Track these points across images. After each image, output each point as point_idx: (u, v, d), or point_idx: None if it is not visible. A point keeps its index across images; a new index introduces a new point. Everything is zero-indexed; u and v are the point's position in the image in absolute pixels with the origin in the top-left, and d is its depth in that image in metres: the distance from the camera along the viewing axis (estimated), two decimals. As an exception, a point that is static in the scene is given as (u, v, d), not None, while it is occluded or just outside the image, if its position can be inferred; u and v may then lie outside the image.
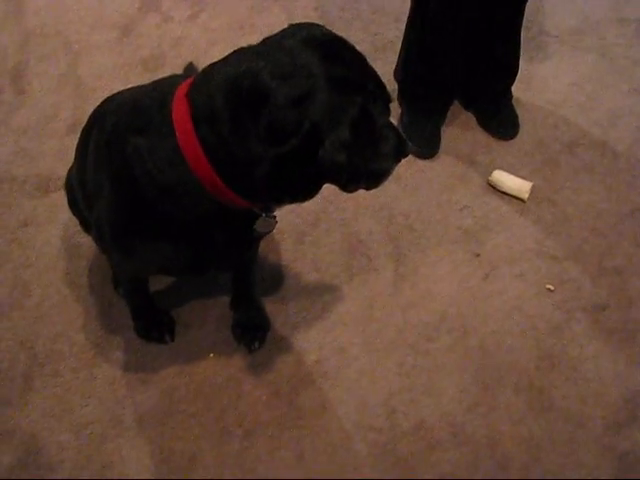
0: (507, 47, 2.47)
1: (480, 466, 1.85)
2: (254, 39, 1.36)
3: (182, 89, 1.38)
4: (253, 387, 1.97)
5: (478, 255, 2.26)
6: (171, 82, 1.47)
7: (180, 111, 1.35)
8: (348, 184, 1.42)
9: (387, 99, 1.39)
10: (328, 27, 1.38)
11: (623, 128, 2.69)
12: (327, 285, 2.18)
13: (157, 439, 1.88)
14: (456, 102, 2.69)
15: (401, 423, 1.92)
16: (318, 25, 1.39)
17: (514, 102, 2.67)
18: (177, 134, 1.35)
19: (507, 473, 1.84)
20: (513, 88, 2.65)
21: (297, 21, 1.41)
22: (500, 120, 2.62)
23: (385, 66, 2.63)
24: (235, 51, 1.37)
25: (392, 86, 2.59)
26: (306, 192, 1.41)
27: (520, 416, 1.94)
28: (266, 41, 1.35)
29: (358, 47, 1.37)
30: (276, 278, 2.20)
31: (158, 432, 1.89)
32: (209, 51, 2.82)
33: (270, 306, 2.13)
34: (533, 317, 2.13)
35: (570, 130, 2.66)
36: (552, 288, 2.19)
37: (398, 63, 2.54)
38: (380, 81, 1.37)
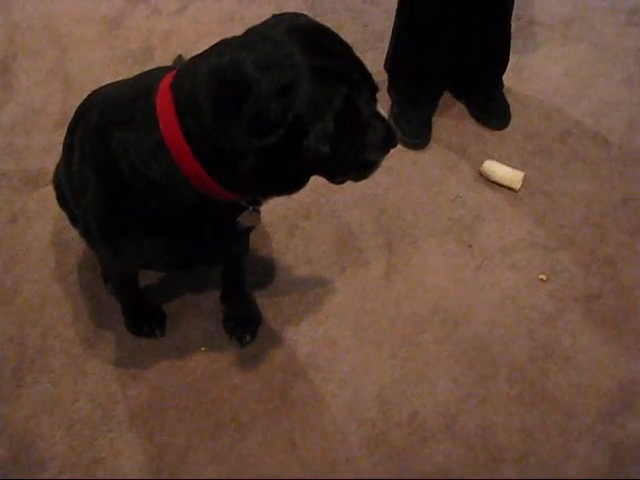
0: (497, 35, 2.46)
1: (473, 457, 1.84)
2: (243, 31, 1.35)
3: (166, 81, 1.36)
4: (245, 381, 1.96)
5: (470, 246, 2.26)
6: (155, 74, 1.46)
7: (164, 103, 1.34)
8: (335, 175, 1.40)
9: (373, 88, 1.37)
10: (318, 18, 1.37)
11: (615, 117, 2.68)
12: (319, 277, 2.17)
13: (149, 434, 1.86)
14: (447, 92, 2.69)
15: (394, 415, 1.91)
16: (302, 15, 1.37)
17: (505, 92, 2.66)
18: (161, 126, 1.34)
19: (500, 464, 1.83)
20: (504, 78, 2.64)
21: (286, 11, 1.39)
22: (491, 110, 2.61)
23: (376, 57, 2.63)
24: (218, 42, 1.35)
25: (382, 77, 2.58)
26: (292, 184, 1.40)
27: (513, 407, 1.93)
28: (249, 32, 1.34)
29: (348, 38, 1.36)
30: (267, 271, 2.19)
31: (150, 427, 1.88)
32: (198, 44, 2.80)
33: (261, 299, 2.11)
34: (526, 307, 2.12)
35: (562, 120, 2.66)
36: (545, 278, 2.18)
37: (388, 53, 2.53)
38: (365, 70, 1.35)
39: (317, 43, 1.29)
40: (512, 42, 2.53)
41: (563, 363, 2.02)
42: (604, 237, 2.30)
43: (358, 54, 1.35)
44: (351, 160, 1.36)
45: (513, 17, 2.45)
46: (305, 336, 2.05)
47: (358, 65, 1.34)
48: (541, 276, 2.19)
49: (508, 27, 2.46)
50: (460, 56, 2.47)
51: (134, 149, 1.38)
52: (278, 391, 1.94)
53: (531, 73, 2.82)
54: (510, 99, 2.65)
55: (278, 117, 1.23)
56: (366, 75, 1.35)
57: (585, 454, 1.85)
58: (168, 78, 1.37)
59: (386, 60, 2.54)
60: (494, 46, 2.50)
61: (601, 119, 2.67)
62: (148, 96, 1.37)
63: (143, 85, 1.44)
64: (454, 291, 2.15)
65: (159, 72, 1.47)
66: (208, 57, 1.33)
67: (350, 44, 1.35)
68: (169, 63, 2.37)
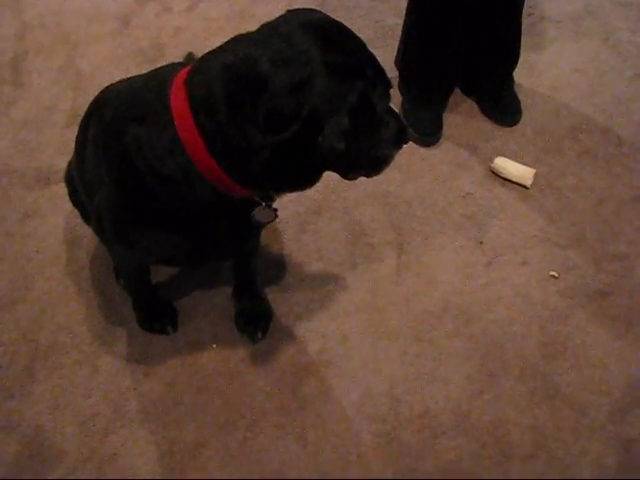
0: (508, 31, 2.46)
1: (484, 454, 1.84)
2: (254, 28, 1.35)
3: (180, 77, 1.37)
4: (256, 377, 1.97)
5: (481, 242, 2.25)
6: (168, 71, 1.46)
7: (178, 99, 1.34)
8: (349, 171, 1.41)
9: (387, 85, 1.38)
10: (328, 14, 1.37)
11: (627, 114, 2.67)
12: (330, 274, 2.17)
13: (161, 430, 1.87)
14: (458, 89, 2.68)
15: (405, 411, 1.91)
16: (316, 10, 1.38)
17: (516, 88, 2.66)
18: (175, 123, 1.34)
19: (511, 461, 1.83)
20: (515, 74, 2.64)
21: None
22: (502, 107, 2.60)
23: (386, 53, 2.63)
24: (233, 38, 1.35)
25: (393, 73, 2.58)
26: (306, 180, 1.41)
27: (525, 404, 1.93)
28: (263, 27, 1.34)
29: (359, 35, 1.36)
30: (278, 267, 2.19)
31: (162, 423, 1.88)
32: (209, 41, 2.81)
33: (273, 296, 2.12)
34: (537, 304, 2.12)
35: (573, 116, 2.65)
36: (556, 275, 2.18)
37: (399, 51, 2.53)
38: (379, 66, 1.35)
39: (332, 39, 1.30)
40: (522, 38, 2.53)
41: (574, 360, 2.01)
42: (615, 234, 2.29)
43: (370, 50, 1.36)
44: (364, 156, 1.37)
45: (524, 13, 2.45)
46: (316, 332, 2.05)
47: (372, 61, 1.35)
48: (552, 273, 2.18)
49: (519, 23, 2.46)
50: (470, 53, 2.47)
51: (148, 145, 1.39)
52: (289, 387, 1.95)
53: (542, 69, 2.81)
54: (521, 95, 2.64)
55: (293, 113, 1.23)
56: (380, 71, 1.36)
57: (596, 452, 1.85)
58: (182, 74, 1.37)
59: (397, 57, 2.55)
60: (505, 43, 2.49)
61: (612, 115, 2.66)
62: (162, 92, 1.38)
63: (157, 81, 1.45)
64: (465, 288, 2.15)
65: (172, 68, 1.48)
66: (222, 53, 1.33)
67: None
68: (180, 60, 2.38)
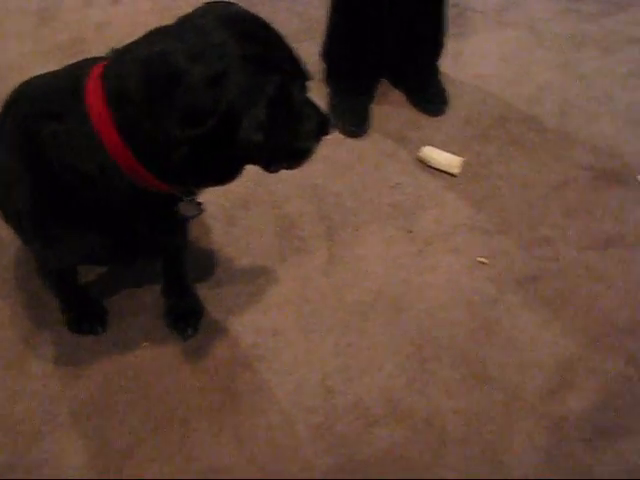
0: (431, 22, 2.48)
1: (419, 440, 1.85)
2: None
3: (96, 72, 1.34)
4: (189, 374, 1.94)
5: (411, 232, 2.27)
6: (85, 65, 1.42)
7: (95, 94, 1.31)
8: (270, 164, 1.41)
9: (305, 77, 1.38)
10: (253, 8, 1.35)
11: (551, 102, 2.73)
12: (260, 268, 2.16)
13: (93, 433, 1.83)
14: (385, 80, 2.69)
15: (339, 402, 1.91)
16: (233, 3, 1.36)
17: (442, 78, 2.69)
18: (92, 118, 1.31)
19: (445, 446, 1.84)
20: (441, 64, 2.66)
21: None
22: (429, 97, 2.63)
23: (312, 46, 2.62)
24: (149, 32, 1.33)
25: (319, 66, 2.58)
26: (227, 174, 1.39)
27: (457, 389, 1.95)
28: (180, 21, 1.32)
29: (284, 28, 1.35)
30: (208, 263, 2.17)
31: (94, 425, 1.84)
32: (133, 35, 2.69)
33: (203, 291, 2.10)
34: (467, 291, 2.14)
35: (499, 105, 2.69)
36: (485, 261, 2.21)
37: (324, 43, 2.52)
38: (297, 59, 1.35)
39: (248, 32, 1.28)
40: (448, 29, 2.55)
41: (505, 344, 2.04)
42: (542, 219, 2.34)
43: (294, 44, 1.34)
44: (285, 148, 1.37)
45: (449, 4, 2.47)
46: (248, 327, 2.04)
47: (289, 54, 1.34)
48: (481, 259, 2.21)
49: (442, 13, 2.48)
50: (395, 44, 2.48)
51: (65, 142, 1.35)
52: (223, 383, 1.93)
53: (467, 59, 2.85)
54: (447, 85, 2.68)
55: (210, 107, 1.22)
56: (297, 64, 1.35)
57: (528, 432, 1.88)
58: (98, 69, 1.34)
59: (322, 49, 2.54)
60: (428, 33, 2.52)
61: (537, 104, 2.72)
62: (78, 87, 1.34)
63: (72, 76, 1.41)
64: (396, 277, 2.16)
65: (88, 63, 1.44)
66: (138, 47, 1.31)
67: (285, 34, 1.34)
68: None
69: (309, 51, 2.45)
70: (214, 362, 1.97)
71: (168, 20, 1.36)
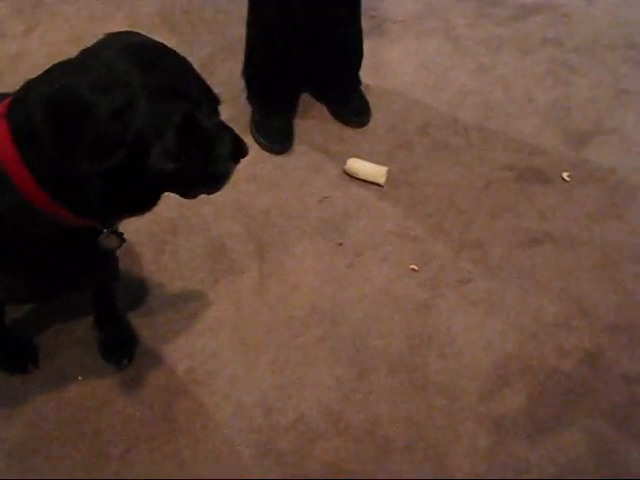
0: (349, 33, 2.50)
1: (362, 452, 1.86)
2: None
3: (0, 110, 1.31)
4: (126, 405, 1.91)
5: (341, 244, 2.28)
6: None
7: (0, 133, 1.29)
8: (186, 191, 1.40)
9: (214, 101, 1.37)
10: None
11: (472, 105, 2.78)
12: (192, 292, 2.14)
13: (28, 473, 1.79)
14: (307, 95, 2.71)
15: (279, 420, 1.90)
16: (135, 33, 1.35)
17: (364, 89, 2.71)
18: (0, 159, 1.29)
19: (389, 455, 1.85)
20: (362, 75, 2.68)
21: (141, 27, 1.37)
22: (351, 108, 2.65)
23: (234, 65, 2.61)
24: (52, 66, 1.31)
25: (242, 85, 2.57)
26: (142, 204, 1.38)
27: (397, 397, 1.96)
28: (83, 53, 1.31)
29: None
30: (139, 291, 2.15)
31: (29, 465, 1.80)
32: (50, 66, 2.72)
33: (136, 320, 2.07)
34: (400, 299, 2.16)
35: (421, 112, 2.73)
36: (416, 268, 2.23)
37: (244, 63, 2.51)
38: (204, 84, 1.35)
39: (152, 61, 1.28)
40: (367, 40, 2.58)
41: (441, 348, 2.06)
42: (470, 222, 2.37)
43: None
44: (200, 174, 1.36)
45: (366, 16, 2.50)
46: (183, 352, 2.02)
47: (196, 80, 1.34)
48: (412, 266, 2.23)
49: (358, 25, 2.50)
50: (315, 57, 2.49)
51: None
52: (161, 411, 1.91)
53: (388, 69, 2.88)
54: (369, 96, 2.70)
55: (118, 139, 1.20)
56: (205, 89, 1.35)
57: (470, 433, 1.90)
58: (2, 106, 1.31)
59: (243, 69, 2.53)
60: (346, 45, 2.53)
61: (459, 108, 2.76)
62: None
63: None
64: (328, 290, 2.17)
65: None
66: (41, 82, 1.29)
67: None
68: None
69: (230, 71, 2.46)
70: (151, 391, 1.94)
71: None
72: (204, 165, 1.35)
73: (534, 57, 2.99)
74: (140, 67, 1.23)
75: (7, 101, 1.32)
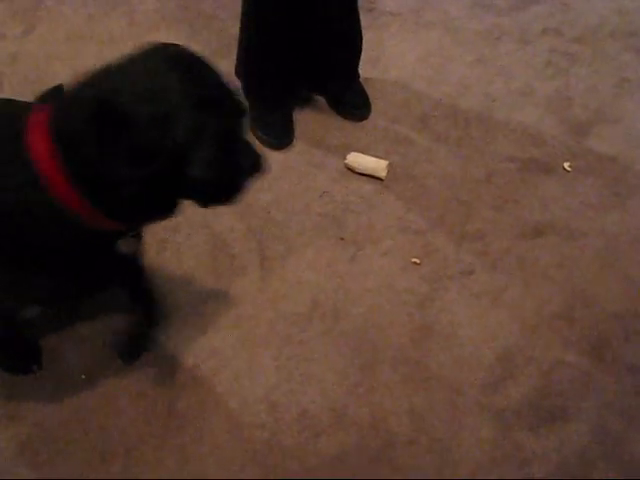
0: (347, 27, 2.48)
1: (366, 446, 1.86)
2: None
3: (39, 114, 1.34)
4: (130, 402, 1.92)
5: (342, 239, 2.27)
6: (19, 108, 1.43)
7: (39, 137, 1.31)
8: (209, 200, 1.42)
9: (242, 114, 1.41)
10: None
11: (471, 97, 2.76)
12: (194, 289, 2.14)
13: (34, 472, 1.80)
14: (306, 89, 2.70)
15: (283, 415, 1.91)
16: (176, 44, 1.38)
17: (363, 82, 2.69)
18: (38, 165, 1.30)
19: (393, 448, 1.86)
20: (361, 69, 2.67)
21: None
22: (351, 102, 2.64)
23: (232, 63, 2.61)
24: (95, 72, 1.33)
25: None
26: (170, 209, 1.42)
27: (400, 390, 1.96)
28: (126, 61, 1.32)
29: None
30: (141, 289, 2.15)
31: (35, 464, 1.81)
32: (50, 65, 2.73)
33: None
34: (402, 292, 2.16)
35: (421, 104, 2.72)
36: (418, 261, 2.23)
37: (239, 58, 2.50)
38: (235, 97, 1.39)
39: (192, 72, 1.31)
40: (365, 33, 2.56)
41: (443, 341, 2.06)
42: (471, 214, 2.36)
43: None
44: (225, 184, 1.39)
45: (364, 9, 2.49)
46: (187, 349, 2.02)
47: (229, 92, 1.37)
48: (414, 260, 2.23)
49: (356, 18, 2.47)
50: (313, 52, 2.47)
51: (14, 197, 1.34)
52: (165, 407, 1.91)
53: (387, 62, 2.87)
54: (369, 89, 2.69)
55: (158, 147, 1.23)
56: (236, 102, 1.39)
57: (473, 425, 1.90)
58: (41, 113, 1.34)
59: (237, 65, 2.51)
60: (345, 38, 2.51)
61: (459, 100, 2.75)
62: (16, 131, 1.34)
63: (7, 123, 1.40)
64: (330, 285, 2.16)
65: (22, 106, 1.45)
66: (85, 88, 1.31)
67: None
68: (20, 88, 2.30)
69: (229, 69, 2.46)
70: (155, 387, 1.95)
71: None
72: (231, 176, 1.39)
73: (534, 47, 2.97)
74: (181, 77, 1.27)
75: (48, 106, 1.35)
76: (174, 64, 1.30)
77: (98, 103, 1.27)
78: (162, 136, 1.23)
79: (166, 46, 1.37)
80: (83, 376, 1.97)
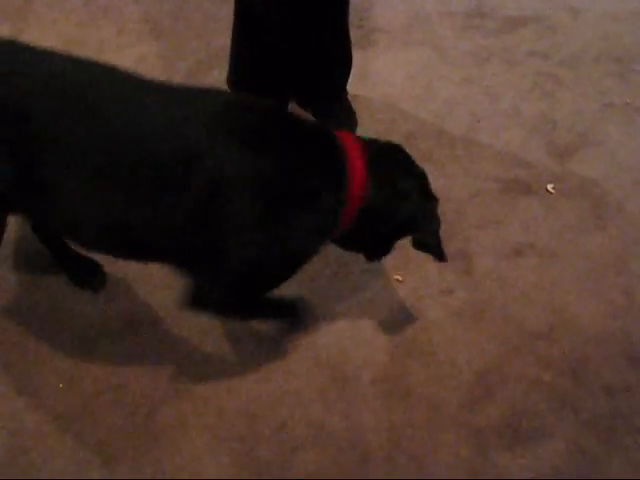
0: (336, 44, 2.48)
1: (343, 461, 1.86)
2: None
3: (357, 145, 1.72)
4: (108, 412, 1.91)
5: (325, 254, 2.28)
6: (326, 134, 1.75)
7: (359, 169, 1.68)
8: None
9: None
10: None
11: (458, 116, 2.78)
12: (173, 299, 2.13)
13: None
14: (293, 102, 2.70)
15: (262, 428, 1.90)
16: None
17: (351, 99, 2.71)
18: (352, 185, 1.67)
19: (370, 464, 1.86)
20: (349, 85, 2.68)
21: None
22: (338, 117, 2.64)
23: (222, 73, 2.61)
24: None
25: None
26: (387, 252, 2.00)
27: (378, 407, 1.96)
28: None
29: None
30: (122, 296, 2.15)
31: (10, 475, 1.80)
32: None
33: (119, 324, 2.08)
34: (384, 309, 2.16)
35: (407, 122, 2.73)
36: (400, 279, 2.23)
37: (229, 70, 2.51)
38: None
39: (418, 169, 1.97)
40: (355, 50, 2.57)
41: (424, 358, 2.07)
42: (455, 232, 2.37)
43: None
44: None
45: (354, 25, 2.50)
46: (167, 358, 2.02)
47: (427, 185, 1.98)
48: (397, 277, 2.24)
49: (347, 36, 2.49)
50: (301, 66, 2.49)
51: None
52: (142, 419, 1.91)
53: (375, 79, 2.89)
54: (356, 105, 2.70)
55: (411, 217, 1.80)
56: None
57: (450, 444, 1.91)
58: (358, 144, 1.73)
59: (228, 77, 2.52)
60: (334, 55, 2.52)
61: (445, 119, 2.77)
62: (336, 156, 1.68)
63: (321, 145, 1.70)
64: (313, 300, 2.15)
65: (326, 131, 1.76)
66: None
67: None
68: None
69: (219, 79, 2.46)
70: (133, 398, 1.94)
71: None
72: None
73: (520, 69, 3.00)
74: (420, 174, 1.92)
75: (362, 140, 1.80)
76: (413, 166, 1.89)
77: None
78: (408, 207, 1.77)
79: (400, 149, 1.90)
80: (60, 385, 1.96)
